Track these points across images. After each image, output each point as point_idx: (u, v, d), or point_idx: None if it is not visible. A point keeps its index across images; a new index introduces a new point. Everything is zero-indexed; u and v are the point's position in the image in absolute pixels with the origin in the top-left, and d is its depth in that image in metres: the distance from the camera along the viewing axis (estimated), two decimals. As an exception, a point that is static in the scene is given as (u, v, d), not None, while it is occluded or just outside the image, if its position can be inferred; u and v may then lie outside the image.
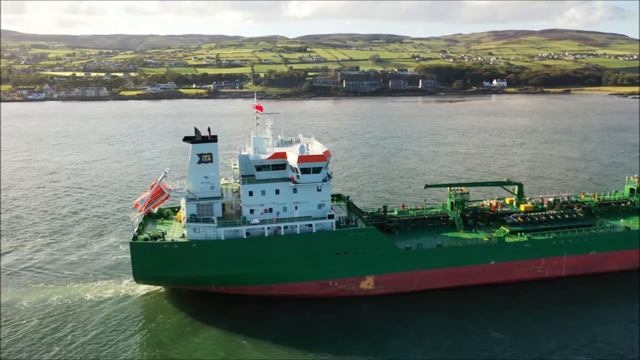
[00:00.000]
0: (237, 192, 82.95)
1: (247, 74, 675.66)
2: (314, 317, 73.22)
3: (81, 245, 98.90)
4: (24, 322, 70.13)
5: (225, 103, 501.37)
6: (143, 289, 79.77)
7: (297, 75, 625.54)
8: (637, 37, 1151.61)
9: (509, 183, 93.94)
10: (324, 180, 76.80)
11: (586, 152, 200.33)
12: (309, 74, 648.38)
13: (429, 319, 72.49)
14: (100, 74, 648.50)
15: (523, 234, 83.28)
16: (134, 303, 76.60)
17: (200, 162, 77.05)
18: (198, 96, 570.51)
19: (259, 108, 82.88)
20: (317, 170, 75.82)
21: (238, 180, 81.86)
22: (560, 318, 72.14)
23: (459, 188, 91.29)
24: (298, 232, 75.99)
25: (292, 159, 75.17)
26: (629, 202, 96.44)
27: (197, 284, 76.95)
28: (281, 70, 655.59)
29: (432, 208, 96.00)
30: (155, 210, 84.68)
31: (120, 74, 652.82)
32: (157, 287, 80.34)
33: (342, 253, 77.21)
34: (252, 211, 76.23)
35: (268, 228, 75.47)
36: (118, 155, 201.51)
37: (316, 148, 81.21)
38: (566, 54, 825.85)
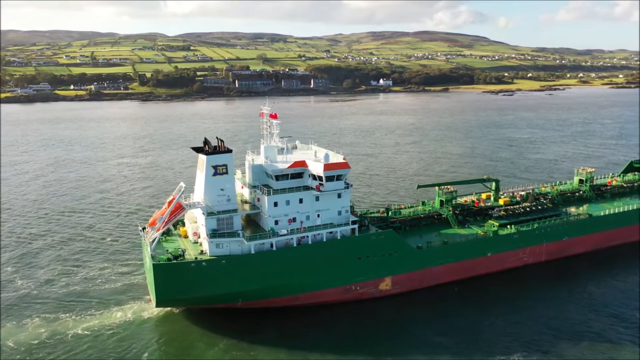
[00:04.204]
0: (248, 202, 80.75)
1: (130, 74, 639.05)
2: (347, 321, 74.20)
3: (62, 274, 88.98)
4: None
5: (110, 105, 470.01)
6: (152, 311, 74.43)
7: (187, 75, 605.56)
8: (497, 40, 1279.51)
9: (488, 180, 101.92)
10: (346, 187, 77.73)
11: (472, 147, 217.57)
12: (199, 73, 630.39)
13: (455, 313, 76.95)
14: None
15: (512, 226, 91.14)
16: (153, 327, 71.58)
17: (215, 174, 73.88)
18: (78, 98, 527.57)
19: (274, 116, 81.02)
20: (339, 178, 76.54)
21: (250, 191, 79.91)
22: (562, 296, 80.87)
23: (447, 187, 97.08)
24: (324, 239, 76.15)
25: (317, 167, 75.02)
26: (581, 192, 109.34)
27: (224, 301, 73.71)
28: (169, 70, 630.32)
29: (413, 207, 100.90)
30: (173, 228, 79.35)
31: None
32: (166, 308, 75.52)
33: (363, 257, 78.79)
34: (276, 222, 74.83)
35: (296, 238, 74.75)
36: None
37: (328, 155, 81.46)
38: (438, 54, 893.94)
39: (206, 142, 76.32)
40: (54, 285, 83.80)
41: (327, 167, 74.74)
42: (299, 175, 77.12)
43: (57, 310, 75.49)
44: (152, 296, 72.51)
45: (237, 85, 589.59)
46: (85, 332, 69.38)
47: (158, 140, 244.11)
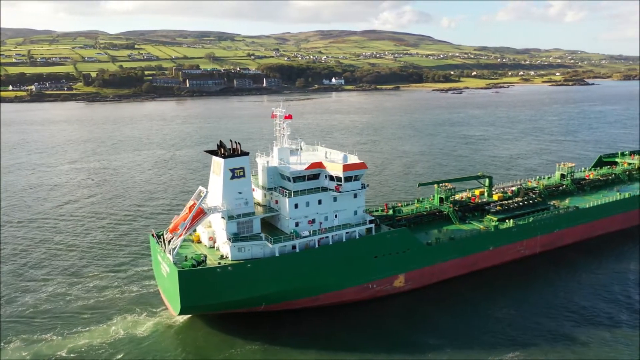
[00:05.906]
0: (262, 205, 79.99)
1: (73, 73, 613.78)
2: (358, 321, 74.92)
3: (52, 287, 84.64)
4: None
5: (54, 107, 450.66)
6: (148, 325, 71.58)
7: (135, 74, 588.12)
8: (441, 39, 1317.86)
9: (482, 177, 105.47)
10: (362, 187, 78.46)
11: (433, 145, 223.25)
12: (147, 73, 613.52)
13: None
14: None
15: (510, 220, 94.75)
16: (172, 336, 69.58)
17: (233, 177, 72.84)
18: (18, 99, 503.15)
19: (289, 117, 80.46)
20: (357, 178, 77.20)
21: (265, 193, 79.27)
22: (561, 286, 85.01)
23: (445, 184, 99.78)
24: (343, 239, 76.60)
25: (336, 168, 75.34)
26: (564, 186, 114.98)
27: (248, 305, 72.62)
28: (114, 70, 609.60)
29: (409, 204, 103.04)
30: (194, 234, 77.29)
31: None
32: (172, 317, 73.60)
33: (379, 255, 79.80)
34: (297, 224, 74.58)
35: (316, 239, 74.81)
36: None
37: (336, 156, 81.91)
38: (386, 53, 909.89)
39: (221, 144, 75.05)
40: (47, 301, 79.38)
41: (346, 167, 75.23)
42: (316, 177, 77.21)
43: (61, 325, 71.67)
44: (173, 304, 70.44)
45: (187, 85, 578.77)
46: (89, 346, 66.51)
47: (115, 144, 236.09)
